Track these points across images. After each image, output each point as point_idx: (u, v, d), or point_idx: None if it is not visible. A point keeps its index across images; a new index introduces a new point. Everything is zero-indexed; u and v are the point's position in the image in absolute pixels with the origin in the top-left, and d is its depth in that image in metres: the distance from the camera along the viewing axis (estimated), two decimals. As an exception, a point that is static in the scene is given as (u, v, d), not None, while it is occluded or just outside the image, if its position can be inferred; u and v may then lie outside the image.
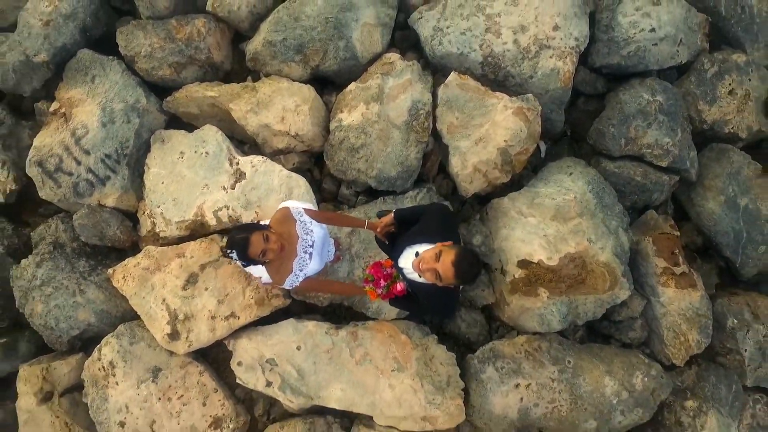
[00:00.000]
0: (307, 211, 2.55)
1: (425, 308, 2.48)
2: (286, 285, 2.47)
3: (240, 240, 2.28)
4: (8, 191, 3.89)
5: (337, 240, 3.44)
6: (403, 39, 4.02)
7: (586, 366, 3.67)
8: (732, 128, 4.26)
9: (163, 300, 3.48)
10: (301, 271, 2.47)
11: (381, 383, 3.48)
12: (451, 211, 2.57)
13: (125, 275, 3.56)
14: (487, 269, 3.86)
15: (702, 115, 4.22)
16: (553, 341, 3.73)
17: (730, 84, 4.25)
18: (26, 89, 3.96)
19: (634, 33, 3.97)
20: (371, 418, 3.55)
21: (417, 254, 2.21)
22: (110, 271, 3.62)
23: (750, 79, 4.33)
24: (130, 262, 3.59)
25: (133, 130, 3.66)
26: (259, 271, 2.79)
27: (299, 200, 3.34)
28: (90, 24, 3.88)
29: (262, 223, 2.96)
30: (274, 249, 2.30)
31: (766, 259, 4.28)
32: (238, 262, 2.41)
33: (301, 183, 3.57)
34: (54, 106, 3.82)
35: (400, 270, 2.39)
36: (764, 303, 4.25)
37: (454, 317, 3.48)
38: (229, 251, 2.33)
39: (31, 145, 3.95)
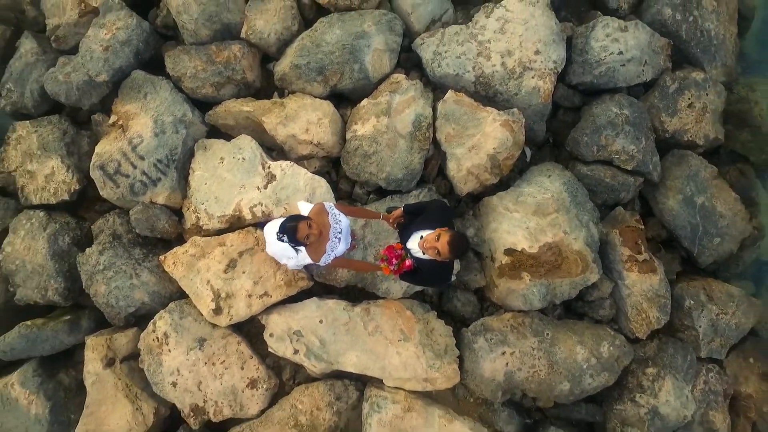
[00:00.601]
0: (336, 205, 3.25)
1: (428, 278, 3.21)
2: (321, 262, 3.17)
3: (291, 227, 2.99)
4: (72, 191, 4.60)
5: (353, 232, 4.15)
6: (408, 60, 4.74)
7: (562, 337, 4.38)
8: (690, 136, 4.98)
9: (208, 281, 4.19)
10: (332, 251, 3.17)
11: (389, 351, 4.19)
12: (447, 205, 3.28)
13: (175, 261, 4.27)
14: (478, 257, 4.57)
15: (664, 126, 4.94)
16: (535, 317, 4.45)
17: (689, 98, 4.96)
18: (86, 104, 4.67)
19: (605, 56, 4.69)
20: (381, 380, 4.26)
21: (421, 237, 2.93)
22: (162, 257, 4.33)
23: (707, 94, 5.05)
24: (179, 250, 4.30)
25: (181, 139, 4.38)
26: (297, 257, 3.47)
27: (321, 199, 4.06)
28: (141, 48, 4.59)
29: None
30: (315, 234, 3.00)
31: (720, 249, 5.00)
32: (288, 244, 3.11)
33: (322, 183, 4.28)
34: (113, 119, 4.52)
35: (408, 250, 3.11)
36: (718, 287, 4.98)
37: (449, 284, 4.15)
38: (281, 235, 3.03)
39: (89, 151, 4.69)
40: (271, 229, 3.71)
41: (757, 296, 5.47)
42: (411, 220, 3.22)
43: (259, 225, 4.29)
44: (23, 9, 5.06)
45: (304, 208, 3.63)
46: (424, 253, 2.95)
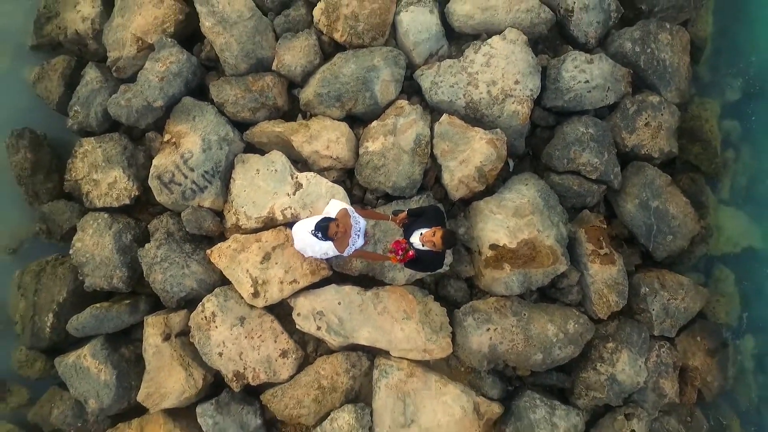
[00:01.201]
0: (356, 209, 4.22)
1: (427, 265, 4.18)
2: (345, 253, 4.13)
3: (324, 226, 3.95)
4: (132, 196, 5.58)
5: (366, 230, 5.12)
6: (410, 88, 5.71)
7: (536, 317, 5.35)
8: (647, 150, 5.95)
9: (247, 271, 5.16)
10: (353, 245, 4.12)
11: (395, 327, 5.16)
12: (441, 209, 4.26)
13: (220, 254, 5.24)
14: (468, 251, 5.53)
15: (624, 141, 5.91)
16: (514, 301, 5.42)
17: (646, 118, 5.94)
18: (142, 124, 5.65)
19: (574, 84, 5.66)
20: (388, 351, 5.23)
21: (421, 234, 3.90)
22: (209, 251, 5.30)
23: (662, 114, 6.02)
24: (223, 245, 5.27)
25: (224, 154, 5.36)
26: (323, 249, 4.43)
27: (339, 202, 5.03)
28: (190, 79, 5.57)
29: (320, 216, 4.63)
30: (341, 231, 3.96)
31: (673, 245, 5.98)
32: (321, 238, 4.06)
33: (340, 191, 5.25)
34: (166, 137, 5.50)
35: (411, 244, 4.07)
36: (670, 277, 5.95)
37: (442, 268, 5.06)
38: (317, 232, 4.00)
39: (145, 163, 5.67)
40: (300, 227, 4.67)
41: (706, 285, 6.48)
42: (413, 221, 4.20)
43: (288, 225, 5.25)
44: (86, 43, 6.02)
45: (335, 206, 4.57)
46: (423, 246, 3.92)
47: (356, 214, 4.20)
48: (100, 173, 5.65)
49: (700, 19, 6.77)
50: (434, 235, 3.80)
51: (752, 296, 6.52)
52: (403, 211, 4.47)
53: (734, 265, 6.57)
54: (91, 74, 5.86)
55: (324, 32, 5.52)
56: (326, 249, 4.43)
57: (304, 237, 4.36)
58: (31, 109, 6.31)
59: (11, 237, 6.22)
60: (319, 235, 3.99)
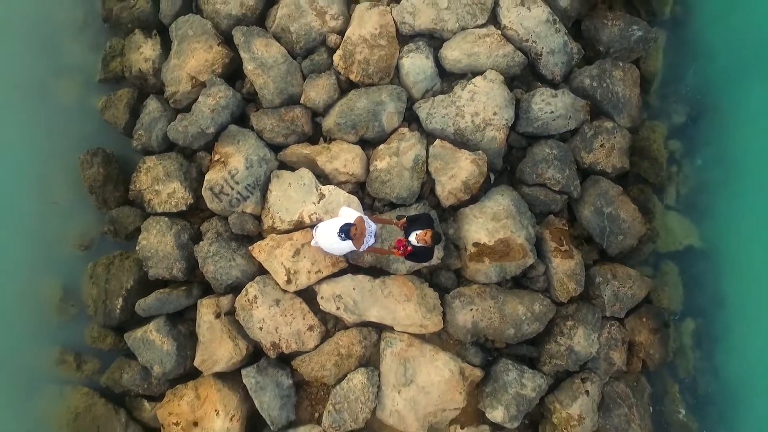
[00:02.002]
0: (368, 216, 5.65)
1: (421, 257, 5.61)
2: (361, 249, 5.55)
3: (346, 229, 5.37)
4: (188, 204, 7.01)
5: (376, 232, 6.55)
6: (410, 117, 7.14)
7: (510, 300, 6.78)
8: (602, 167, 7.37)
9: (282, 263, 6.59)
10: (366, 243, 5.52)
11: (398, 307, 6.58)
12: (431, 216, 5.70)
13: (260, 250, 6.67)
14: (456, 248, 6.95)
15: (583, 159, 7.33)
16: (493, 288, 6.84)
17: (601, 140, 7.36)
18: (195, 146, 7.09)
19: (541, 114, 7.08)
20: (392, 327, 6.66)
21: (416, 234, 5.33)
22: (251, 248, 6.73)
23: (615, 137, 7.43)
24: (262, 243, 6.70)
25: (263, 171, 6.79)
26: (342, 247, 5.83)
27: (355, 209, 6.47)
28: (234, 110, 7.01)
29: (338, 219, 6.01)
30: (359, 233, 5.36)
31: (624, 244, 7.39)
32: (345, 240, 5.46)
33: (354, 200, 6.68)
34: (216, 156, 6.94)
35: (409, 242, 5.50)
36: (621, 269, 7.37)
37: (433, 260, 6.45)
38: (339, 234, 5.41)
39: (197, 177, 7.10)
40: (324, 231, 6.05)
41: (654, 277, 7.90)
42: (411, 225, 5.62)
43: (313, 227, 6.68)
44: (147, 78, 7.45)
45: (347, 212, 5.97)
46: (418, 243, 5.36)
47: (369, 220, 5.62)
48: (161, 185, 7.08)
49: (651, 56, 8.21)
50: (426, 235, 5.24)
51: (692, 286, 7.95)
52: (404, 216, 5.93)
53: (677, 261, 7.99)
54: (152, 105, 7.30)
55: (341, 73, 6.96)
56: (345, 246, 5.83)
57: (329, 237, 5.74)
58: (99, 132, 7.72)
59: (84, 236, 7.63)
60: (342, 236, 5.41)
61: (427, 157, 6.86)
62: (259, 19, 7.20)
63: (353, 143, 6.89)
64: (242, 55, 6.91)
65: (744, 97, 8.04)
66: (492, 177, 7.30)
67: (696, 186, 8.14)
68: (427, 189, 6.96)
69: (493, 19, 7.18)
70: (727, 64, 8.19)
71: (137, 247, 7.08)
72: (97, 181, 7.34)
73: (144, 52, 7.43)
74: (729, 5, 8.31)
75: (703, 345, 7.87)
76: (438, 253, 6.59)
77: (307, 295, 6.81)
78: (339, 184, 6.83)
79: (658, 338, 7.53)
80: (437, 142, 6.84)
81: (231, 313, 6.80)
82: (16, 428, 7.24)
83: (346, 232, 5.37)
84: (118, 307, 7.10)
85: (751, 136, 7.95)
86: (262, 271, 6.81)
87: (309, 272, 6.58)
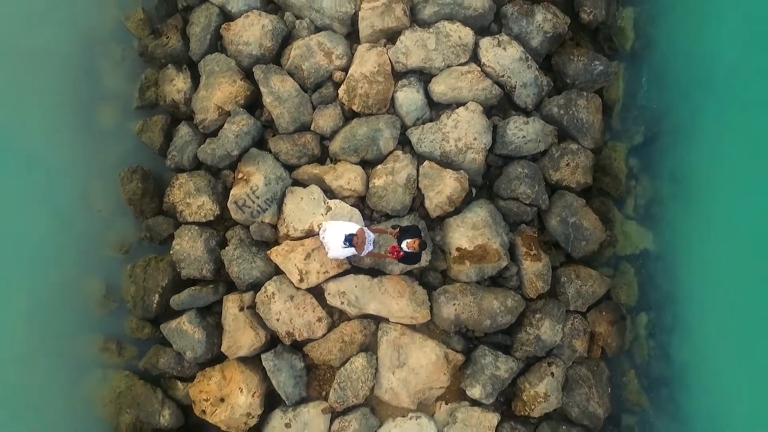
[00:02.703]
0: (368, 226, 6.97)
1: (410, 260, 6.95)
2: (362, 254, 6.87)
3: (350, 239, 6.68)
4: (215, 215, 8.33)
5: (374, 240, 7.86)
6: (403, 141, 8.46)
7: (487, 296, 8.10)
8: (567, 183, 8.69)
9: (295, 265, 7.90)
10: (366, 249, 6.82)
11: (392, 302, 7.90)
12: (419, 227, 7.06)
13: (277, 254, 7.98)
14: (443, 252, 8.27)
15: (551, 177, 8.65)
16: (473, 286, 8.16)
17: (567, 160, 8.69)
18: (221, 165, 8.41)
19: (514, 138, 8.40)
20: (388, 319, 7.99)
21: (407, 242, 6.65)
22: (269, 252, 8.04)
23: (579, 157, 8.75)
24: (278, 248, 8.01)
25: (279, 188, 8.11)
26: (346, 252, 7.14)
27: (357, 222, 7.79)
28: (255, 135, 8.32)
29: (344, 225, 7.30)
30: (360, 241, 6.68)
31: (586, 249, 8.72)
32: (349, 247, 6.78)
33: (356, 212, 8.00)
34: (239, 175, 8.25)
35: (401, 248, 6.82)
36: (584, 270, 8.69)
37: (421, 262, 7.75)
38: (344, 243, 6.71)
39: (223, 192, 8.41)
40: (331, 237, 7.31)
41: (612, 277, 9.21)
42: (402, 234, 6.94)
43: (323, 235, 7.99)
44: (179, 106, 8.74)
45: (348, 226, 7.29)
46: (408, 248, 6.69)
47: (368, 230, 6.93)
48: (192, 198, 8.38)
49: (613, 85, 9.54)
50: (414, 243, 6.56)
51: (646, 285, 9.28)
52: (398, 227, 7.25)
53: (634, 262, 9.32)
54: (184, 130, 8.61)
55: (345, 105, 8.27)
56: (347, 252, 7.15)
57: (336, 245, 7.05)
58: (137, 152, 9.02)
59: (123, 242, 8.91)
60: (347, 244, 6.73)
61: (418, 175, 8.17)
62: (275, 58, 8.51)
63: (355, 164, 8.20)
64: (261, 89, 8.22)
65: (693, 121, 9.38)
66: (473, 192, 8.61)
67: (651, 198, 9.47)
68: (417, 203, 8.28)
69: (474, 58, 8.50)
70: (679, 92, 9.52)
71: (171, 251, 8.38)
72: (136, 194, 8.63)
73: (176, 84, 8.74)
74: (682, 41, 9.65)
75: (656, 335, 9.20)
76: (426, 257, 7.91)
77: (316, 292, 8.12)
78: (343, 199, 8.14)
79: (615, 329, 8.86)
80: (426, 163, 8.16)
81: (252, 307, 8.11)
82: (68, 407, 8.56)
83: (349, 240, 6.70)
84: (155, 302, 8.40)
85: (699, 154, 9.29)
86: (278, 271, 8.12)
87: (318, 272, 7.90)
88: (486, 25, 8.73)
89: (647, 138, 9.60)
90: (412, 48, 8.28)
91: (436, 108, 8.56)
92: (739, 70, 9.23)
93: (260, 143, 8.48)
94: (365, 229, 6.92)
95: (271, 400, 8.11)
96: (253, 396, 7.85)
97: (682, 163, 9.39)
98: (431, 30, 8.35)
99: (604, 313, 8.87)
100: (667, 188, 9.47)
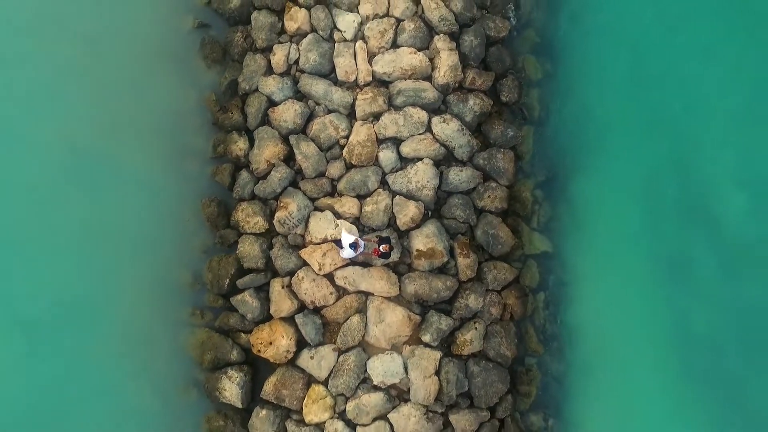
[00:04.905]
0: (362, 236, 12.22)
1: (385, 257, 12.21)
2: (357, 254, 12.09)
3: (353, 245, 11.91)
4: (265, 229, 13.62)
5: (365, 245, 13.09)
6: (384, 183, 13.77)
7: (435, 280, 13.35)
8: (488, 208, 13.97)
9: (316, 259, 13.17)
10: (360, 251, 12.07)
11: (376, 283, 13.15)
12: (390, 238, 12.33)
13: (305, 253, 13.27)
14: (408, 252, 13.55)
15: (478, 204, 13.92)
16: (426, 273, 13.42)
17: (489, 194, 13.98)
18: (269, 198, 13.73)
19: (454, 180, 13.68)
20: (373, 293, 13.28)
21: (383, 245, 11.94)
22: (300, 252, 13.34)
23: (497, 191, 14.07)
24: (306, 249, 13.26)
25: (306, 212, 13.40)
26: (350, 252, 12.39)
27: (354, 234, 13.10)
28: (291, 179, 13.66)
29: (348, 237, 12.59)
30: (358, 246, 11.90)
31: (501, 250, 14.00)
32: (352, 250, 12.00)
33: (353, 227, 13.30)
34: (281, 204, 13.53)
35: (380, 250, 12.08)
36: (500, 265, 13.96)
37: (392, 258, 13.01)
38: (350, 245, 11.94)
39: (269, 215, 13.74)
40: (343, 241, 12.57)
41: (521, 268, 14.48)
42: (380, 241, 12.18)
43: (334, 241, 13.28)
44: (240, 159, 14.05)
45: (350, 237, 12.56)
46: (383, 250, 11.97)
47: (361, 239, 12.21)
48: (250, 218, 13.67)
49: (524, 142, 14.84)
50: (386, 247, 11.87)
51: (544, 273, 14.56)
52: (378, 237, 12.58)
53: (536, 259, 14.57)
54: (244, 174, 13.92)
55: (347, 160, 13.57)
56: (351, 253, 12.44)
57: (345, 247, 12.31)
58: (212, 187, 14.36)
59: (203, 245, 14.20)
60: (352, 247, 12.01)
61: (392, 204, 13.46)
62: (302, 130, 13.82)
63: (353, 197, 13.50)
64: (294, 150, 13.55)
65: (576, 166, 14.72)
66: (428, 214, 13.91)
67: (549, 217, 14.76)
68: (392, 221, 13.57)
69: (428, 129, 13.79)
70: (568, 146, 14.85)
71: (237, 251, 13.69)
72: (212, 214, 13.96)
73: (238, 144, 14.05)
74: (570, 112, 14.98)
75: (549, 306, 14.48)
76: (395, 255, 13.22)
77: (330, 276, 13.41)
78: (346, 219, 13.44)
79: (521, 302, 14.13)
80: (397, 197, 13.46)
81: (289, 286, 13.40)
82: (171, 350, 13.85)
83: (355, 246, 11.99)
84: (226, 284, 13.70)
85: (582, 187, 14.64)
86: (305, 264, 13.42)
87: (330, 264, 13.19)
88: (436, 108, 14.03)
89: (547, 177, 14.90)
90: (389, 124, 13.60)
91: (404, 162, 13.88)
92: (604, 133, 14.62)
93: (294, 184, 13.79)
94: (360, 239, 12.24)
95: (301, 343, 13.39)
96: (290, 340, 13.15)
97: (570, 193, 14.75)
98: (401, 113, 13.68)
99: (513, 291, 14.15)
100: (560, 210, 14.80)
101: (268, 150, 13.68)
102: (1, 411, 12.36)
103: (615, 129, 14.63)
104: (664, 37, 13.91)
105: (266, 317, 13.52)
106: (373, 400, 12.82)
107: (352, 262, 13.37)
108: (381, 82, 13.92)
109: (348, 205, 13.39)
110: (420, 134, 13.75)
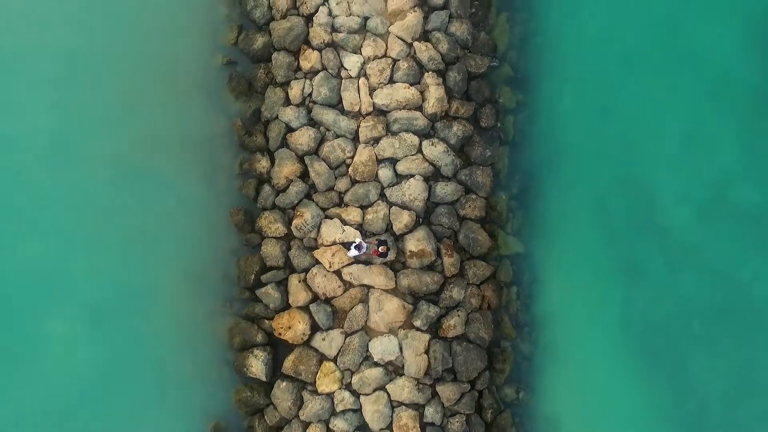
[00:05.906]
0: (364, 239, 15.23)
1: (383, 256, 15.24)
2: (361, 253, 15.10)
3: (357, 246, 14.92)
4: (284, 233, 16.67)
5: (367, 246, 16.10)
6: (382, 195, 16.84)
7: (424, 275, 16.38)
8: (469, 216, 17.04)
9: (327, 258, 16.18)
10: (363, 251, 15.06)
11: (376, 278, 16.17)
12: (387, 240, 15.35)
13: (318, 253, 16.31)
14: (402, 253, 16.58)
15: (460, 213, 16.98)
16: (417, 269, 16.46)
17: (469, 204, 17.05)
18: (288, 207, 16.79)
19: (440, 193, 16.76)
20: (374, 286, 16.31)
21: (381, 246, 14.96)
22: (314, 252, 16.37)
23: (477, 202, 17.15)
24: (318, 250, 16.29)
25: (318, 219, 16.41)
26: (355, 253, 15.38)
27: (359, 237, 16.14)
28: (305, 192, 16.73)
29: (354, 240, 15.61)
30: (362, 247, 14.90)
31: (480, 251, 17.07)
32: (356, 250, 14.99)
33: (358, 233, 16.32)
34: (298, 213, 16.58)
35: (379, 250, 15.10)
36: (479, 263, 17.01)
37: (389, 257, 16.01)
38: (355, 247, 14.93)
39: (288, 221, 16.80)
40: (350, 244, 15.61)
41: (497, 266, 17.49)
42: (379, 243, 15.21)
43: (342, 243, 16.31)
44: (263, 175, 17.10)
45: (356, 240, 15.58)
46: (381, 251, 14.99)
47: (364, 242, 15.23)
48: (272, 224, 16.71)
49: (500, 159, 17.87)
50: (383, 248, 14.89)
51: (517, 271, 17.59)
52: (377, 239, 15.61)
53: (510, 258, 17.60)
54: (267, 188, 16.97)
55: (352, 176, 16.62)
56: (356, 253, 15.48)
57: (351, 247, 15.32)
58: (239, 198, 17.37)
59: (232, 246, 17.23)
60: (356, 249, 15.02)
61: (389, 213, 16.51)
62: (315, 151, 16.88)
63: (357, 208, 16.56)
64: (309, 168, 16.61)
65: (545, 182, 17.79)
66: (419, 221, 16.96)
67: (522, 223, 17.81)
68: (390, 227, 16.62)
69: (420, 151, 16.83)
70: (539, 164, 17.92)
71: (261, 252, 16.73)
72: (239, 221, 17.02)
73: (261, 163, 17.12)
74: (539, 136, 18.04)
75: (521, 298, 17.52)
76: (392, 255, 16.25)
77: (338, 273, 16.44)
78: (351, 225, 16.49)
79: (496, 294, 17.18)
80: (393, 207, 16.52)
81: (305, 280, 16.44)
82: (207, 334, 16.87)
83: (357, 247, 15.03)
84: (252, 279, 16.74)
85: (549, 199, 17.71)
86: (318, 262, 16.47)
87: (339, 262, 16.23)
88: (426, 133, 17.07)
89: (520, 190, 17.96)
90: (387, 147, 16.67)
91: (399, 178, 16.93)
92: (567, 154, 17.70)
93: (308, 196, 16.84)
94: (363, 241, 15.29)
95: (314, 327, 16.39)
96: (305, 325, 16.17)
97: (539, 203, 17.83)
98: (396, 137, 16.75)
99: (490, 285, 17.18)
100: (530, 217, 17.86)
101: (286, 168, 16.72)
102: (70, 377, 15.47)
103: (575, 151, 17.73)
104: (611, 74, 17.03)
105: (285, 306, 16.53)
106: (373, 374, 15.85)
107: (356, 260, 16.39)
108: (380, 112, 16.98)
109: (353, 214, 16.44)
110: (413, 155, 16.79)
